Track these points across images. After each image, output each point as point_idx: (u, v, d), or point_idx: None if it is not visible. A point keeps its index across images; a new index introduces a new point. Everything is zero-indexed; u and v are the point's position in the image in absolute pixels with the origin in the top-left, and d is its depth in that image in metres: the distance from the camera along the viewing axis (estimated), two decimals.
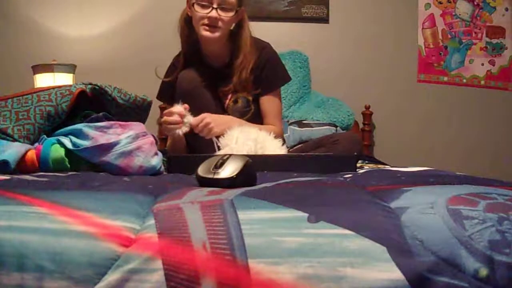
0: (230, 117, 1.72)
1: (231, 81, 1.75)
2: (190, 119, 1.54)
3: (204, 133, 1.55)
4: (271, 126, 1.75)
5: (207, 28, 1.66)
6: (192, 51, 1.79)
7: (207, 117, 1.56)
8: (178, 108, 1.53)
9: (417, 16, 2.92)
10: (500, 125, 2.94)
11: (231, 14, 1.68)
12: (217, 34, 1.68)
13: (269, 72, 1.78)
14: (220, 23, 1.67)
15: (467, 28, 2.93)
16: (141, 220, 0.69)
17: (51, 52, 2.68)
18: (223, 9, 1.66)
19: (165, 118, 1.55)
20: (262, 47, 1.79)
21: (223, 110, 1.77)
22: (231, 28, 1.76)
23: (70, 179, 1.01)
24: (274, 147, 1.47)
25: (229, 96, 1.78)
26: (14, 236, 0.63)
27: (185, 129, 1.53)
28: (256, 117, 1.80)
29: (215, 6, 1.65)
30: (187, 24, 1.76)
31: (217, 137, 1.51)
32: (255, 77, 1.76)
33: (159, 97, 1.92)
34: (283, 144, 1.56)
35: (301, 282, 0.61)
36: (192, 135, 1.60)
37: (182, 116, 1.52)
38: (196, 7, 1.67)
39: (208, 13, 1.65)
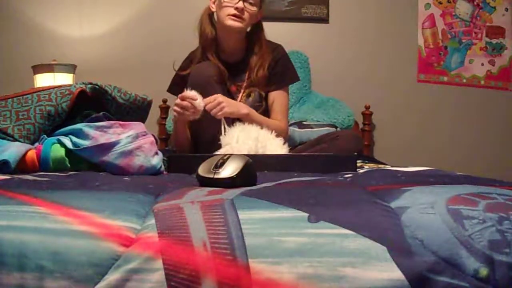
0: (242, 104, 1.78)
1: (245, 77, 1.84)
2: (201, 103, 1.57)
3: (215, 111, 1.60)
4: (277, 122, 1.80)
5: (233, 18, 1.77)
6: (209, 46, 1.86)
7: (219, 97, 1.63)
8: (191, 93, 1.58)
9: (417, 16, 2.92)
10: (500, 125, 2.94)
11: (255, 8, 1.80)
12: (241, 24, 1.79)
13: (281, 70, 1.88)
14: (245, 15, 1.78)
15: (467, 28, 2.93)
16: (142, 220, 0.69)
17: (51, 52, 2.68)
18: (248, 2, 1.79)
19: (177, 101, 1.60)
20: (275, 47, 1.91)
21: None
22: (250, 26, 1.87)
23: (70, 179, 1.01)
24: (275, 146, 1.47)
25: (242, 91, 1.85)
26: (15, 236, 0.63)
27: (196, 116, 1.59)
28: (266, 115, 1.85)
29: None
30: (209, 20, 1.87)
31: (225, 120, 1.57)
32: (268, 74, 1.85)
33: (170, 89, 1.96)
34: (284, 143, 1.56)
35: (301, 282, 0.61)
36: (198, 123, 1.65)
37: (194, 99, 1.57)
38: None
39: (236, 3, 1.76)
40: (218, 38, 1.86)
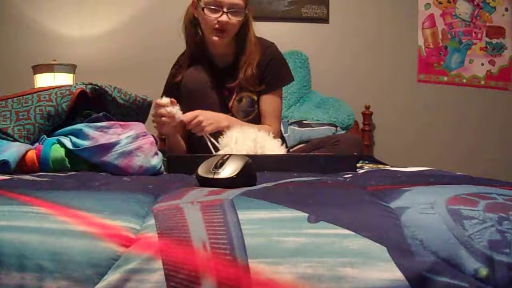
0: (223, 115, 1.68)
1: (237, 78, 1.75)
2: (177, 111, 1.53)
3: (197, 131, 1.57)
4: (267, 127, 1.73)
5: (217, 34, 1.67)
6: (197, 50, 1.78)
7: (200, 115, 1.57)
8: (163, 100, 1.52)
9: (417, 16, 2.92)
10: (500, 125, 2.94)
11: (240, 17, 1.68)
12: (226, 40, 1.70)
13: (272, 71, 1.78)
14: (229, 27, 1.67)
15: (467, 28, 2.93)
16: (141, 220, 0.69)
17: (51, 52, 2.68)
18: (232, 13, 1.66)
19: (154, 111, 1.53)
20: (267, 46, 1.80)
21: (228, 110, 1.76)
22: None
23: (70, 179, 1.01)
24: (273, 147, 1.47)
25: (234, 96, 1.78)
26: (15, 236, 0.63)
27: (174, 122, 1.53)
28: (259, 118, 1.79)
29: (225, 10, 1.64)
30: (193, 24, 1.76)
31: (211, 134, 1.54)
32: (259, 75, 1.75)
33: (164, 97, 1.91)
34: (282, 144, 1.56)
35: (301, 282, 0.61)
36: (191, 134, 1.61)
37: (167, 105, 1.51)
38: (206, 11, 1.66)
39: (219, 17, 1.65)
40: (205, 43, 1.77)
